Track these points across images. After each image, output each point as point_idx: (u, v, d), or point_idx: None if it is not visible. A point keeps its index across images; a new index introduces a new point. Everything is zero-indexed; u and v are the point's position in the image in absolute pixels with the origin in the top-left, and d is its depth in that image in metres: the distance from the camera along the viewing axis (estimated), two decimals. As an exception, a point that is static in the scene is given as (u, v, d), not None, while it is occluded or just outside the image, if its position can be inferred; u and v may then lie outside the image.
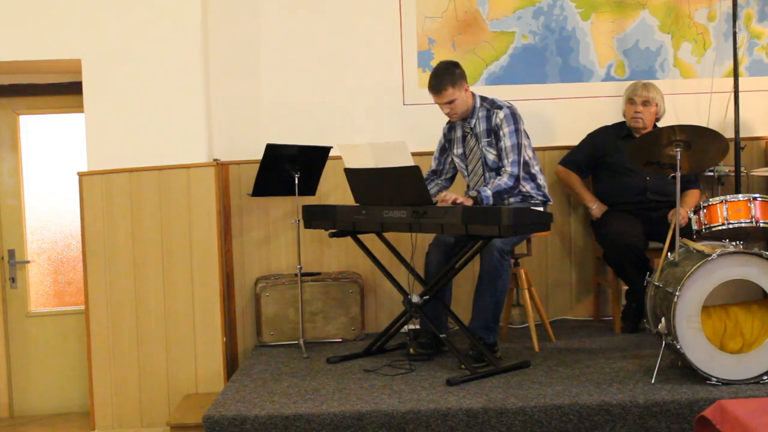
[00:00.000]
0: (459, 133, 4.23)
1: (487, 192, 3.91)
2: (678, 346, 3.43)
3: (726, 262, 3.44)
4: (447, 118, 4.25)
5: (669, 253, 3.69)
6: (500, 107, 4.07)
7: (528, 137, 4.17)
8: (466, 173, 4.25)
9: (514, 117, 4.05)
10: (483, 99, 4.14)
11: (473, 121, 4.12)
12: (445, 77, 3.99)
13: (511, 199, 4.09)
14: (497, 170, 4.07)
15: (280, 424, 3.31)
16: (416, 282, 4.07)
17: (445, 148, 4.33)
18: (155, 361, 4.40)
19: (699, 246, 3.61)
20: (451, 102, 4.02)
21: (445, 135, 4.32)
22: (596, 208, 4.58)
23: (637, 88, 4.53)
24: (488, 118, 4.08)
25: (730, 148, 3.74)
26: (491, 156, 4.08)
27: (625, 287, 4.55)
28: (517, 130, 4.03)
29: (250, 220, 4.79)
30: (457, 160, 4.27)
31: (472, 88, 4.15)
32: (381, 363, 4.02)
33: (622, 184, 4.52)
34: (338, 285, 4.56)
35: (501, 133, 4.03)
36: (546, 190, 4.22)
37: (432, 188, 4.31)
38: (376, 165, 3.85)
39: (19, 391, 4.82)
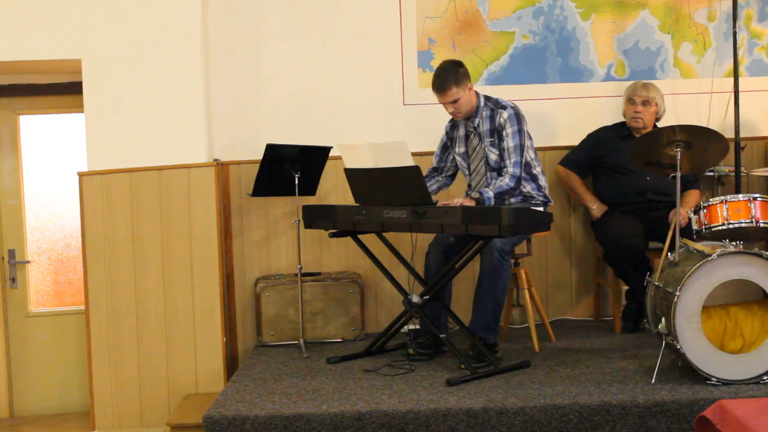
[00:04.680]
0: (462, 131, 4.23)
1: (489, 193, 3.91)
2: (678, 346, 3.43)
3: (726, 262, 3.44)
4: (448, 118, 4.26)
5: (669, 253, 3.69)
6: (504, 107, 4.07)
7: (531, 138, 4.17)
8: (467, 172, 4.25)
9: (518, 117, 4.05)
10: (487, 98, 4.14)
11: (477, 120, 4.12)
12: (448, 76, 3.99)
13: (512, 200, 4.09)
14: (499, 170, 4.07)
15: (280, 424, 3.31)
16: (416, 282, 4.07)
17: (447, 145, 4.32)
18: (155, 361, 4.40)
19: (699, 246, 3.61)
20: (455, 101, 4.02)
21: (447, 133, 4.32)
22: (596, 208, 4.58)
23: (636, 88, 4.53)
24: (492, 118, 4.08)
25: (730, 148, 3.74)
26: (493, 156, 4.08)
27: (625, 287, 4.55)
28: (520, 131, 4.03)
29: (250, 220, 4.79)
30: (458, 158, 4.27)
31: (471, 89, 4.17)
32: (381, 363, 4.02)
33: (622, 184, 4.52)
34: (338, 285, 4.56)
35: (504, 133, 4.03)
36: (547, 191, 4.22)
37: (432, 185, 4.32)
38: (376, 165, 3.85)
39: (19, 391, 4.81)
